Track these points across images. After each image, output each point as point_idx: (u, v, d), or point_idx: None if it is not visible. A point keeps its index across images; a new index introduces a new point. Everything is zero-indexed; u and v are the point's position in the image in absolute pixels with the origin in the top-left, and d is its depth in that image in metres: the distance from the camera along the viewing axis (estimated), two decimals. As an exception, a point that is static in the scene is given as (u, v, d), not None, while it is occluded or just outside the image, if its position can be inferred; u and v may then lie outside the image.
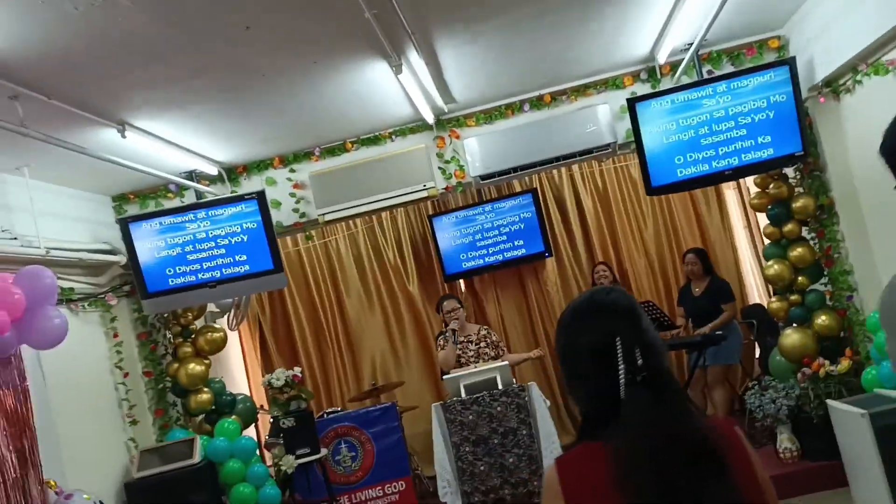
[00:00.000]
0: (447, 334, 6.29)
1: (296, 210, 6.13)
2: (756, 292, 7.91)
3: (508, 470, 5.41)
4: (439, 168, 6.04)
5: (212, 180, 6.13)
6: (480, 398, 5.50)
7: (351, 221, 7.75)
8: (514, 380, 5.80)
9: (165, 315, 6.09)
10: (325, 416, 6.54)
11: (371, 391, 7.16)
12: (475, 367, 5.89)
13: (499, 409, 5.46)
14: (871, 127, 4.58)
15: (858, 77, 4.83)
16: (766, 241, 5.99)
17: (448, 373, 6.06)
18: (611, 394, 1.45)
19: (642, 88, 5.81)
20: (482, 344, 6.26)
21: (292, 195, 6.12)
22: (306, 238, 7.93)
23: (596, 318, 1.54)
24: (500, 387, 5.51)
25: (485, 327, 6.55)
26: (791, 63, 5.25)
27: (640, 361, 1.45)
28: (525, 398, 5.48)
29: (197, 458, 5.40)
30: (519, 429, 5.43)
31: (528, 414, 5.45)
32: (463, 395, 5.55)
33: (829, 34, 4.98)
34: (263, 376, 6.14)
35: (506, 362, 5.81)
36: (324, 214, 5.95)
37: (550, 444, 5.38)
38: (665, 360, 1.52)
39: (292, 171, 6.14)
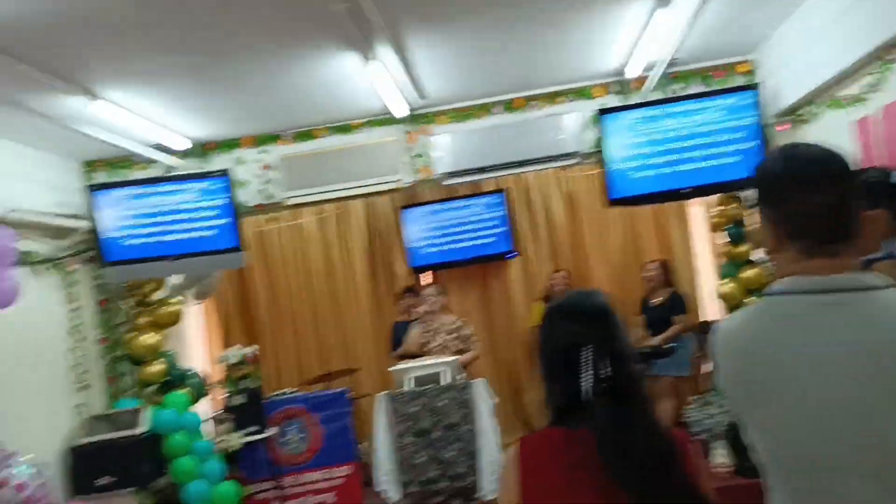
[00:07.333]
0: (416, 321, 6.35)
1: (262, 191, 6.17)
2: (711, 309, 8.02)
3: (447, 464, 5.50)
4: (407, 162, 6.10)
5: (182, 155, 6.16)
6: (426, 391, 5.58)
7: (322, 206, 7.79)
8: (461, 376, 5.88)
9: (125, 284, 6.13)
10: (278, 396, 6.59)
11: (325, 375, 7.23)
12: (435, 358, 5.96)
13: (443, 403, 5.55)
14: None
15: (817, 109, 4.95)
16: (723, 260, 6.11)
17: (405, 358, 6.13)
18: (575, 397, 1.51)
19: (612, 100, 5.89)
20: (452, 336, 6.28)
21: (260, 176, 6.16)
22: (271, 220, 7.94)
23: (569, 321, 1.58)
24: (445, 381, 5.61)
25: (460, 319, 6.53)
26: (757, 88, 5.36)
27: (603, 373, 1.49)
28: (468, 395, 5.57)
29: (143, 428, 5.45)
30: (460, 424, 5.52)
31: (471, 410, 5.55)
32: (410, 387, 5.64)
33: (794, 64, 5.09)
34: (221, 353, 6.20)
35: (455, 358, 5.88)
36: (290, 197, 6.02)
37: (490, 442, 5.48)
38: (632, 368, 1.56)
39: (263, 152, 6.18)
